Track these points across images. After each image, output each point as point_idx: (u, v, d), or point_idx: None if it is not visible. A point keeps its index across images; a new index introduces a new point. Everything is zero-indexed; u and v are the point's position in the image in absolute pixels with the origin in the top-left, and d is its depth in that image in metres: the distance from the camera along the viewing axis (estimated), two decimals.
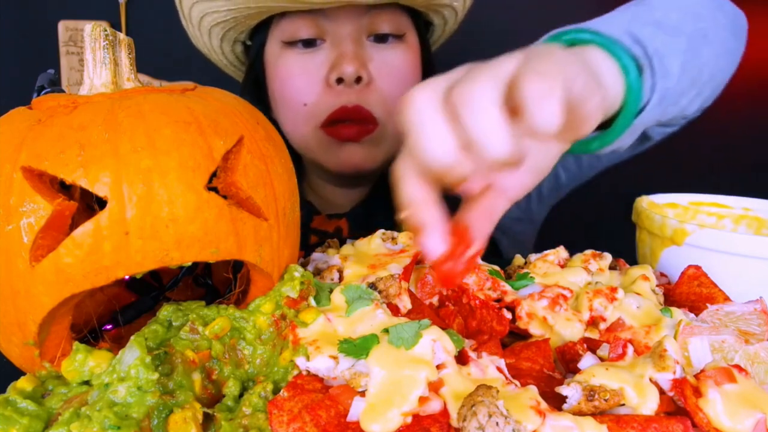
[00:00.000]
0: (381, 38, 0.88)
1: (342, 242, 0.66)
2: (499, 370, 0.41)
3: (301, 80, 0.87)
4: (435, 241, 0.42)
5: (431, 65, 0.98)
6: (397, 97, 0.87)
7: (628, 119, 0.51)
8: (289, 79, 0.88)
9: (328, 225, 1.00)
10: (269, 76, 0.93)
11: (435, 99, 0.39)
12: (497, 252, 1.03)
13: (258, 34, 0.93)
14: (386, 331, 0.42)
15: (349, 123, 0.87)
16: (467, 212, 0.46)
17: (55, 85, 0.70)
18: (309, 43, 0.87)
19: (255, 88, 0.96)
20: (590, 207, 1.58)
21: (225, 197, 0.43)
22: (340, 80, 0.85)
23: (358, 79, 0.85)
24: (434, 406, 0.37)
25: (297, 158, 1.01)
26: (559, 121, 0.35)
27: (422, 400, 0.37)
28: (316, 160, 0.94)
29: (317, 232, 0.99)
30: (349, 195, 1.04)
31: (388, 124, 0.90)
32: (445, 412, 0.37)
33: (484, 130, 0.36)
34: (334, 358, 0.41)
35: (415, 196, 0.42)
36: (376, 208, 1.00)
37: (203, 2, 0.83)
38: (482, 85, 0.37)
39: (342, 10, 0.85)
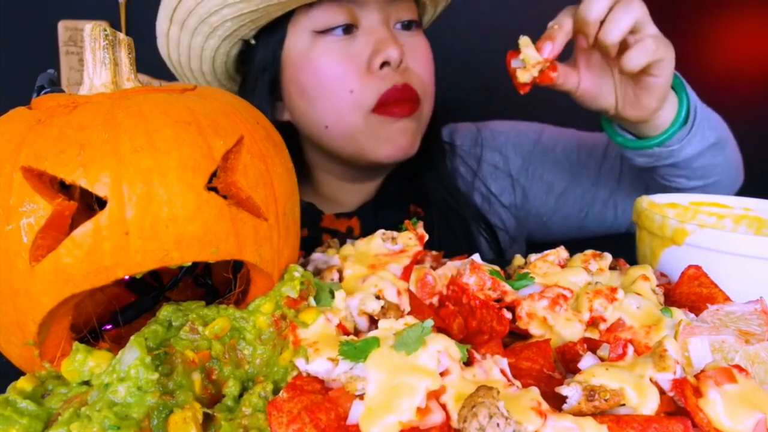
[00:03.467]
0: (406, 25, 0.94)
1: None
2: (503, 372, 0.41)
3: (343, 67, 0.89)
4: (547, 46, 0.71)
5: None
6: (427, 80, 0.95)
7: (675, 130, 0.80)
8: (329, 67, 0.89)
9: (339, 224, 1.01)
10: (298, 69, 0.91)
11: None
12: (497, 245, 1.04)
13: (269, 32, 0.91)
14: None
15: (400, 102, 0.90)
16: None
17: (55, 85, 0.70)
18: (348, 29, 0.89)
19: (272, 87, 0.95)
20: None
21: (225, 197, 0.43)
22: (383, 65, 0.88)
23: (399, 63, 0.89)
24: (435, 419, 0.36)
25: (297, 159, 1.01)
26: (601, 11, 0.69)
27: (422, 412, 0.36)
28: (361, 150, 0.94)
29: (329, 231, 1.00)
30: (357, 192, 1.05)
31: (425, 106, 0.95)
32: (446, 422, 0.37)
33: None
34: (334, 360, 0.41)
35: (562, 22, 0.72)
36: (384, 206, 1.02)
37: None
38: None
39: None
